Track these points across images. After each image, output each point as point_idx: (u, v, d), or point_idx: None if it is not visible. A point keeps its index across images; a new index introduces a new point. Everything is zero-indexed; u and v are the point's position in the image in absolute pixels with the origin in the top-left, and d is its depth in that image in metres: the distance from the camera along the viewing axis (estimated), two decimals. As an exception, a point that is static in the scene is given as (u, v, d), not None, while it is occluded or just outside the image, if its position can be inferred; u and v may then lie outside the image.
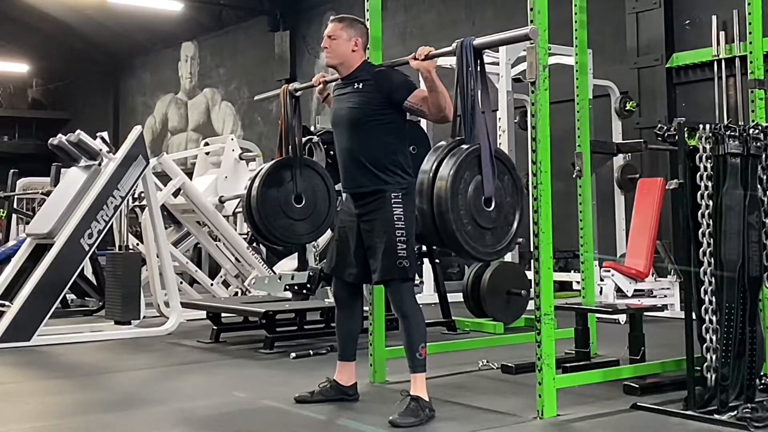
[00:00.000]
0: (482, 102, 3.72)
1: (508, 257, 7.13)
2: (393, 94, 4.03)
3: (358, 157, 4.05)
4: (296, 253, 7.21)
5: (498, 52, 8.42)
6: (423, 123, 8.54)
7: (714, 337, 3.88)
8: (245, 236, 9.19)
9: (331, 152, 5.96)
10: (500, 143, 8.47)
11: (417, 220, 3.73)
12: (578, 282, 6.17)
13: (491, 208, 3.65)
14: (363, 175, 4.03)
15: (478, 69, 3.75)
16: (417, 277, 6.09)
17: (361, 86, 4.09)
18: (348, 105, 4.11)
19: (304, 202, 4.80)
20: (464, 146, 3.63)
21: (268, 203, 4.71)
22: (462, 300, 7.16)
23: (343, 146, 4.16)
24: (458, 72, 3.75)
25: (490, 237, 3.68)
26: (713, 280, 3.90)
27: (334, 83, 4.35)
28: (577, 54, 5.53)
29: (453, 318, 6.88)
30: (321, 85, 4.48)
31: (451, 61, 9.54)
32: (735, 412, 3.75)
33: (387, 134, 4.04)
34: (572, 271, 9.14)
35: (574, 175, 5.39)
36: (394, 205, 3.96)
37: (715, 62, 9.01)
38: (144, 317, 7.32)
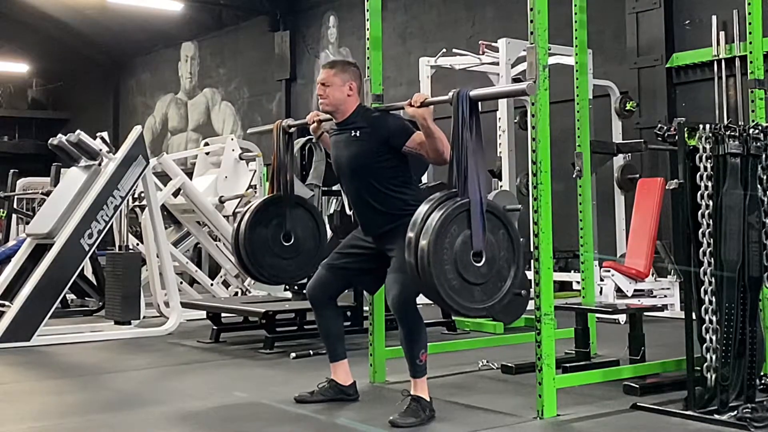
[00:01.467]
0: (476, 154, 3.63)
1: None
2: (391, 141, 4.01)
3: (369, 203, 4.06)
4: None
5: (498, 52, 8.44)
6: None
7: (714, 337, 3.88)
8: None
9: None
10: (500, 143, 8.49)
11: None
12: (578, 282, 6.17)
13: (481, 263, 3.57)
14: (379, 217, 4.03)
15: (474, 120, 3.66)
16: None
17: (358, 134, 4.08)
18: (347, 153, 4.11)
19: (293, 240, 4.73)
20: (456, 199, 3.56)
21: (256, 241, 4.65)
22: (462, 300, 7.15)
23: (351, 193, 4.19)
24: (454, 122, 3.66)
25: (479, 292, 3.58)
26: (713, 280, 3.90)
27: (329, 124, 4.33)
28: (577, 54, 5.53)
29: (453, 318, 6.88)
30: (315, 124, 4.44)
31: (451, 61, 9.52)
32: (735, 412, 3.75)
33: (392, 178, 4.04)
34: (572, 271, 9.13)
35: (574, 175, 5.39)
36: None
37: (715, 62, 9.01)
38: (144, 317, 7.32)
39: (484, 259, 3.57)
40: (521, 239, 3.79)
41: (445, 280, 3.48)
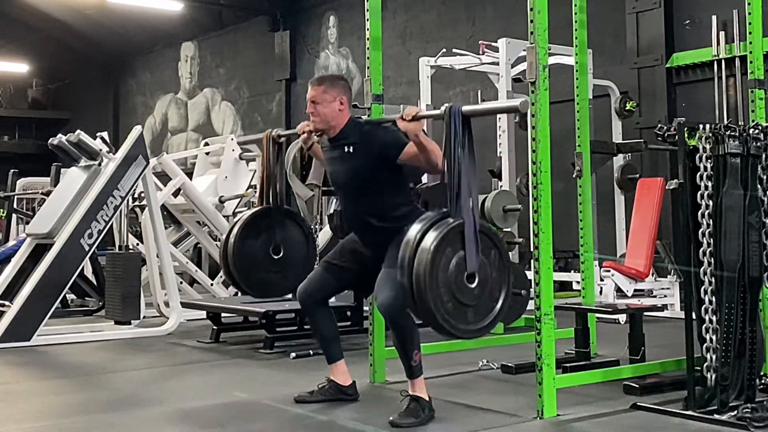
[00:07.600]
0: (469, 171, 3.60)
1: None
2: (384, 155, 3.99)
3: (366, 218, 4.07)
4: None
5: (498, 52, 8.44)
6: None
7: (714, 337, 3.88)
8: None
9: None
10: (500, 143, 8.49)
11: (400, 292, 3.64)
12: (578, 282, 6.17)
13: (474, 284, 3.55)
14: (376, 232, 4.02)
15: (466, 137, 3.63)
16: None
17: (351, 150, 4.07)
18: (344, 170, 4.11)
19: (282, 253, 4.66)
20: (449, 220, 3.53)
21: (246, 256, 4.59)
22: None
23: (348, 207, 4.22)
24: (446, 139, 3.64)
25: (473, 314, 3.56)
26: (713, 280, 3.90)
27: (320, 138, 4.28)
28: (577, 54, 5.53)
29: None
30: (305, 134, 4.35)
31: (451, 61, 9.50)
32: (735, 412, 3.76)
33: (388, 189, 4.05)
34: (572, 271, 9.13)
35: (574, 175, 5.39)
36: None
37: (715, 62, 9.00)
38: (144, 317, 7.32)
39: (477, 281, 3.55)
40: (510, 259, 3.76)
41: (440, 303, 3.45)
